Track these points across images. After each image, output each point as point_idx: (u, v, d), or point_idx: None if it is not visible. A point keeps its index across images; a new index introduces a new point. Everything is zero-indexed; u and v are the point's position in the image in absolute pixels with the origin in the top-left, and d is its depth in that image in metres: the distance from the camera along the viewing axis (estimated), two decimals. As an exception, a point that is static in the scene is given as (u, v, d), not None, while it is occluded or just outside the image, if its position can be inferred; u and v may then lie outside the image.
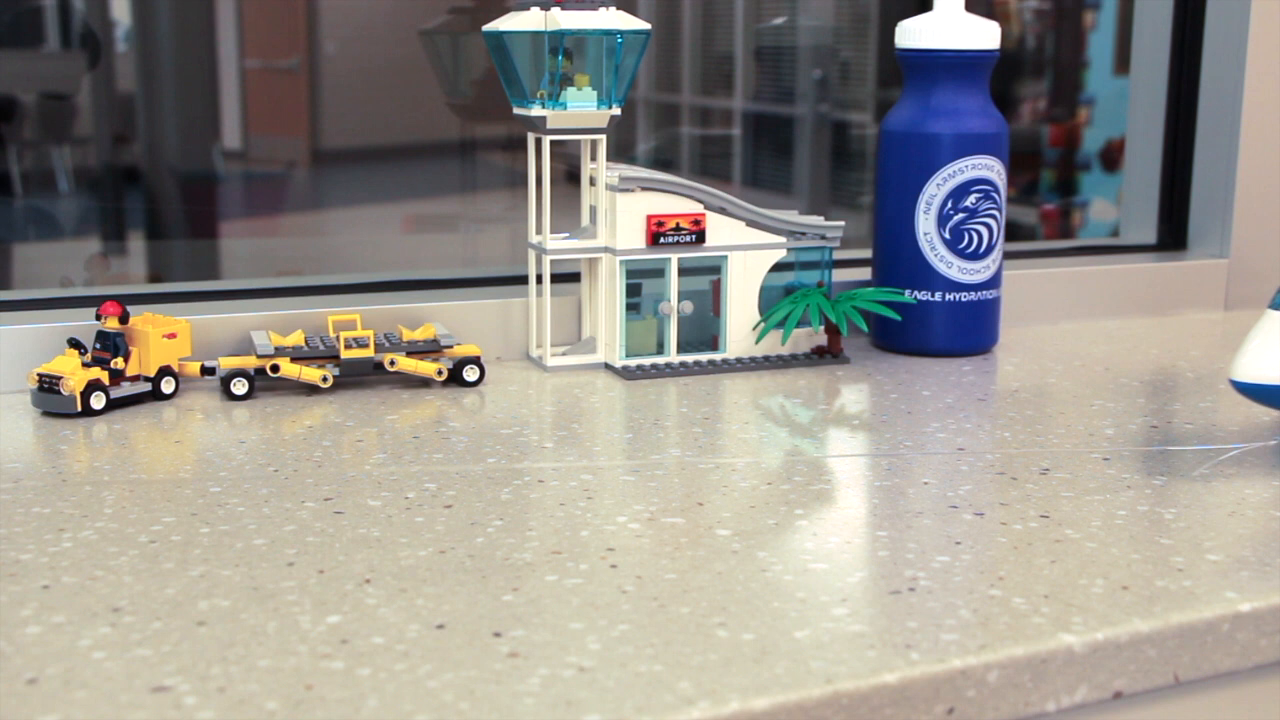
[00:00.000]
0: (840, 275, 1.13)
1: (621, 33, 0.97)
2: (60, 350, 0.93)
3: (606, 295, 1.01)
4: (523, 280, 1.05)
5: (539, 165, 1.00)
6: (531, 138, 1.01)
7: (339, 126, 2.09)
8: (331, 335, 0.96)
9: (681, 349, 1.02)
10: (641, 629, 0.57)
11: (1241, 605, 0.61)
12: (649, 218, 0.99)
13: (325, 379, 0.93)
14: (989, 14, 1.07)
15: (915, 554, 0.66)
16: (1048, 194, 2.65)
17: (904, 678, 0.54)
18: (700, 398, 0.94)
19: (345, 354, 0.94)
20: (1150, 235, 1.35)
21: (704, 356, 1.02)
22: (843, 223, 1.03)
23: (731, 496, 0.74)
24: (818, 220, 1.04)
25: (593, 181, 1.02)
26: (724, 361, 1.01)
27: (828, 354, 1.04)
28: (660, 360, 1.01)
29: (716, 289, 1.02)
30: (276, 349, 0.94)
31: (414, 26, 1.73)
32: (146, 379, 0.92)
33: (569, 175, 1.09)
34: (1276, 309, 0.80)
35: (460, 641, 0.56)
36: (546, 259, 1.00)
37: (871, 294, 1.03)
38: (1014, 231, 1.04)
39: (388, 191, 1.98)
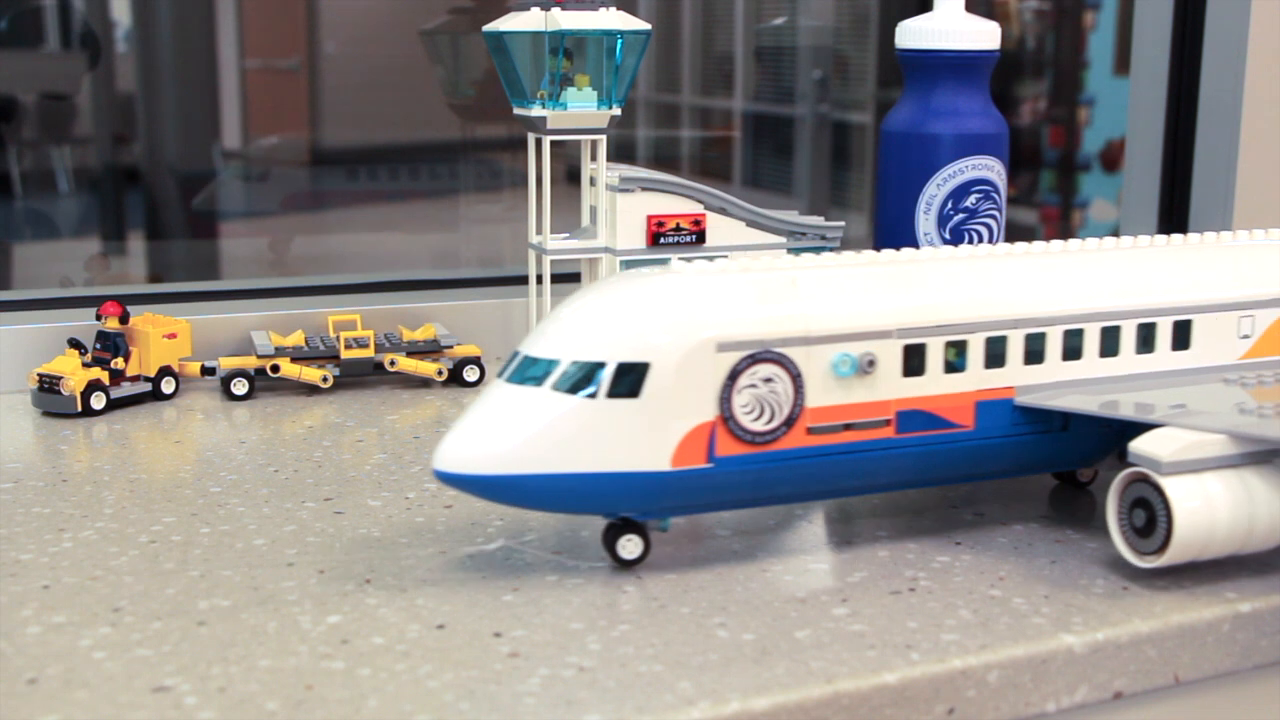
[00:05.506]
0: (840, 275, 1.12)
1: (621, 33, 0.97)
2: (60, 350, 0.93)
3: (606, 295, 1.00)
4: (523, 280, 1.05)
5: (539, 165, 1.00)
6: (531, 138, 1.01)
7: (339, 126, 2.09)
8: (331, 335, 0.96)
9: (681, 349, 1.01)
10: (641, 629, 0.57)
11: (1241, 605, 0.61)
12: (649, 218, 0.99)
13: (325, 379, 0.93)
14: (989, 14, 1.07)
15: (915, 554, 0.66)
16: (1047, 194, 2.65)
17: (904, 678, 0.54)
18: (700, 398, 0.94)
19: (345, 354, 0.94)
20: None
21: (704, 356, 1.01)
22: (843, 223, 1.03)
23: (731, 496, 0.73)
24: (818, 220, 1.04)
25: (593, 182, 1.02)
26: (724, 361, 1.01)
27: (828, 354, 1.04)
28: (660, 360, 1.00)
29: (716, 289, 1.02)
30: (276, 349, 0.94)
31: (414, 26, 1.73)
32: (146, 379, 0.92)
33: (569, 175, 1.09)
34: (503, 377, 0.61)
35: (460, 641, 0.56)
36: (546, 259, 1.00)
37: (871, 294, 1.03)
38: (1014, 231, 1.04)
39: (388, 191, 1.98)
